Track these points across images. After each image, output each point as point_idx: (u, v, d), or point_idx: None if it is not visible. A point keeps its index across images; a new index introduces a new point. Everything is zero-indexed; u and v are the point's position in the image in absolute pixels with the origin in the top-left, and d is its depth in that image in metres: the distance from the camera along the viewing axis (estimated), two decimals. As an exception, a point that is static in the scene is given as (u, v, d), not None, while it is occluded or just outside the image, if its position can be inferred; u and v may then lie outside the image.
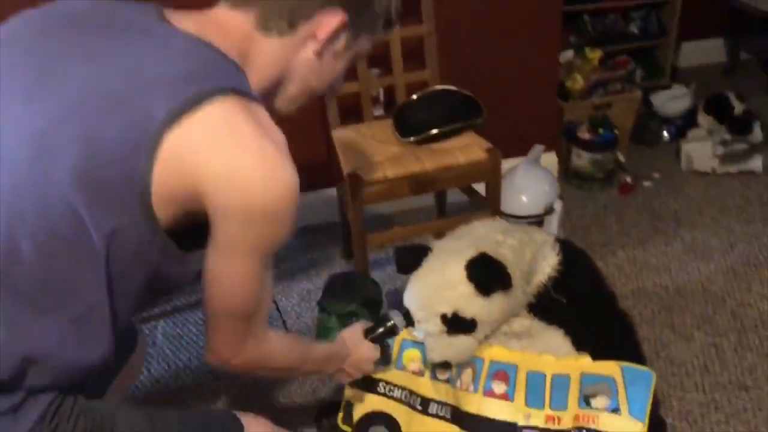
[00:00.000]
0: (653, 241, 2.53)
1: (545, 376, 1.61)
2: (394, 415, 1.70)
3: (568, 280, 1.66)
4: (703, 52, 3.99)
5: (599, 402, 1.56)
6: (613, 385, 1.56)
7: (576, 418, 1.58)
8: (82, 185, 0.88)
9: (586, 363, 1.60)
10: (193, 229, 0.95)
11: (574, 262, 1.70)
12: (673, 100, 3.20)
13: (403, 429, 1.70)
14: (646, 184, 2.88)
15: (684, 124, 3.14)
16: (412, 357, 1.78)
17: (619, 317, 1.71)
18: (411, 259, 1.72)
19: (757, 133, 2.96)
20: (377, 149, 2.10)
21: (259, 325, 1.08)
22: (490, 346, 1.69)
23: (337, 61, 1.11)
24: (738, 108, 3.01)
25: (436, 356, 1.67)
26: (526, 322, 1.69)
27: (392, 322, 1.60)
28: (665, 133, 3.18)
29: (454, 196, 2.47)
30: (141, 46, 0.95)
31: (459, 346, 1.64)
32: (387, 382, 1.75)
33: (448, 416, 1.70)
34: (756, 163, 2.87)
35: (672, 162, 3.03)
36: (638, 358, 1.66)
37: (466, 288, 1.60)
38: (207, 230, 0.95)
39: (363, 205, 1.99)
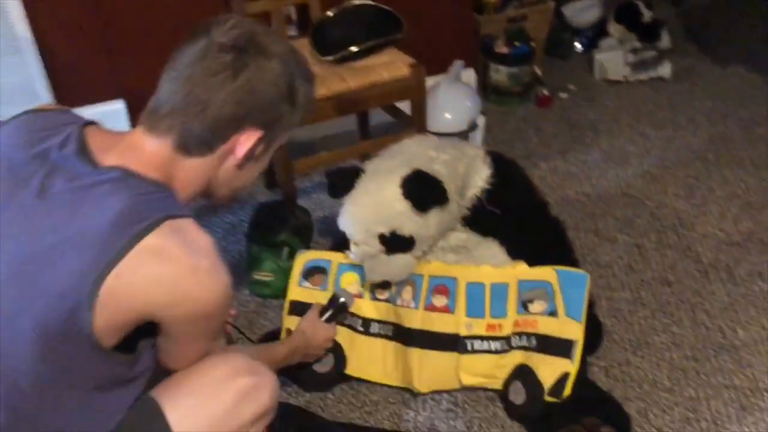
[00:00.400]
0: (573, 151, 2.58)
1: (484, 286, 1.63)
2: (337, 339, 1.69)
3: (501, 192, 1.67)
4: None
5: (537, 307, 1.60)
6: (549, 290, 1.60)
7: (516, 323, 1.62)
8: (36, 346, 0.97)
9: (522, 270, 1.63)
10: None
11: (506, 173, 1.71)
12: (583, 11, 3.22)
13: (345, 352, 1.70)
14: (563, 95, 2.92)
15: (595, 35, 3.18)
16: (350, 280, 1.77)
17: (552, 224, 1.74)
18: (344, 181, 1.68)
19: (665, 40, 3.03)
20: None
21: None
22: (429, 263, 1.69)
23: (258, 163, 1.17)
24: (646, 16, 3.06)
25: (376, 277, 1.66)
26: (462, 235, 1.70)
27: (342, 300, 1.65)
28: (578, 45, 3.21)
29: (378, 118, 2.43)
30: (69, 201, 0.99)
31: (398, 264, 1.64)
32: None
33: (390, 334, 1.71)
34: (665, 69, 2.95)
35: (586, 73, 3.07)
36: (572, 261, 1.71)
37: (402, 206, 1.58)
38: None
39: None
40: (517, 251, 1.66)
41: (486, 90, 2.88)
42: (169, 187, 1.05)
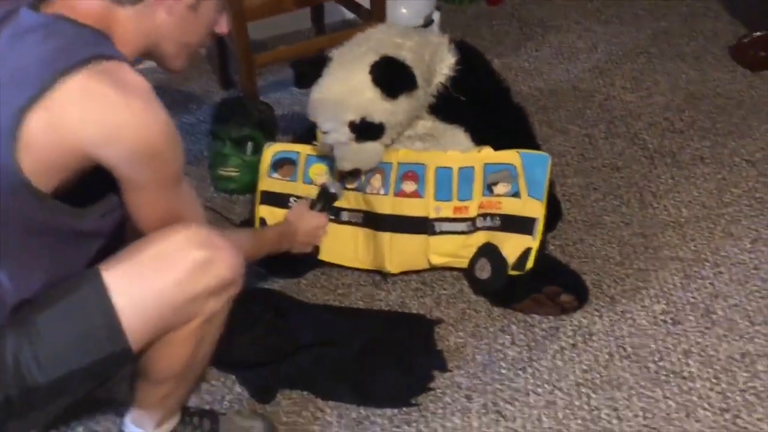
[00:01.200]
0: (524, 48, 2.63)
1: (452, 170, 1.70)
2: (309, 227, 1.74)
3: (466, 79, 1.72)
4: None
5: (501, 188, 1.68)
6: (513, 171, 1.67)
7: (481, 205, 1.70)
8: None
9: (488, 154, 1.69)
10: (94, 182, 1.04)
11: (471, 60, 1.75)
12: None
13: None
14: (512, -7, 2.94)
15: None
16: (318, 171, 1.80)
17: (515, 110, 1.80)
18: (311, 71, 1.70)
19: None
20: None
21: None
22: (397, 150, 1.74)
23: (199, 17, 1.16)
24: None
25: (347, 164, 1.69)
26: (428, 123, 1.74)
27: (333, 190, 1.71)
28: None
29: (333, 16, 2.41)
30: (8, 47, 1.02)
31: (368, 152, 1.68)
32: (297, 197, 1.77)
33: (360, 222, 1.77)
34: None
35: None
36: (534, 146, 1.78)
37: (372, 93, 1.61)
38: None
39: (245, 20, 1.89)
40: (481, 137, 1.72)
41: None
42: (108, 38, 1.05)
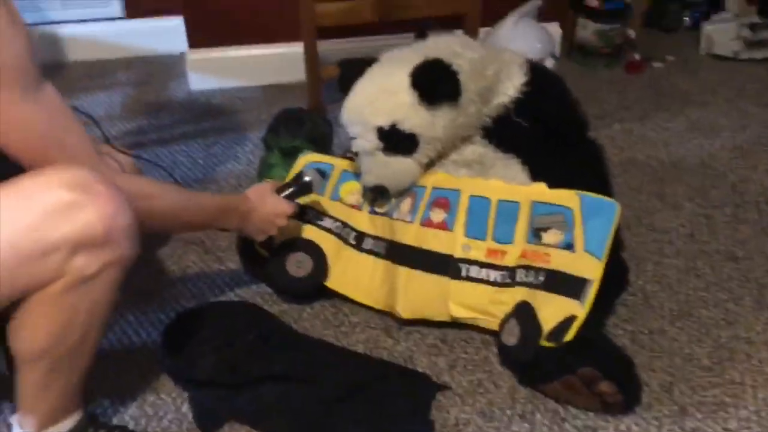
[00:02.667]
0: (655, 117, 2.26)
1: (490, 201, 1.38)
2: (321, 246, 1.50)
3: (533, 102, 1.43)
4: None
5: (551, 237, 1.34)
6: (568, 217, 1.33)
7: (523, 254, 1.36)
8: None
9: (539, 190, 1.37)
10: None
11: (544, 83, 1.46)
12: (699, -19, 2.86)
13: (329, 261, 1.50)
14: (657, 65, 2.59)
15: (709, 9, 2.82)
16: (350, 189, 1.57)
17: (588, 147, 1.46)
18: (356, 72, 1.49)
19: (790, 17, 2.63)
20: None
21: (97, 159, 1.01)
22: (435, 174, 1.47)
23: None
24: (772, -13, 2.67)
25: (371, 179, 1.45)
26: (479, 149, 1.46)
27: (308, 178, 1.45)
28: (686, 19, 2.85)
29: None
30: None
31: (396, 167, 1.43)
32: (319, 211, 1.54)
33: (383, 252, 1.49)
34: (785, 49, 2.56)
35: (690, 47, 2.72)
36: (605, 193, 1.41)
37: (407, 96, 1.37)
38: None
39: (315, 24, 1.75)
40: (540, 173, 1.40)
41: (572, 50, 2.60)
42: None
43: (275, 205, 1.39)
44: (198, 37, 2.43)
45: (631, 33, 2.60)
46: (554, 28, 2.55)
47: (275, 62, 2.45)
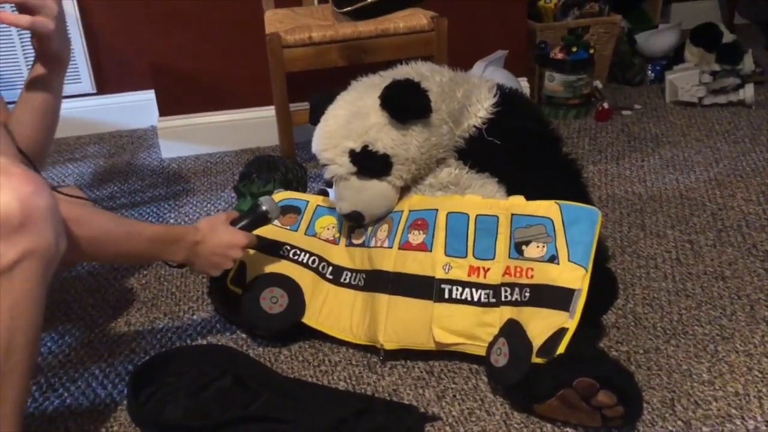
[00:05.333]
0: (629, 158, 2.27)
1: (468, 217, 1.34)
2: (297, 281, 1.43)
3: (504, 121, 1.41)
4: (696, 13, 3.76)
5: (533, 250, 1.29)
6: (549, 228, 1.29)
7: (506, 271, 1.31)
8: None
9: (518, 202, 1.33)
10: None
11: (514, 103, 1.45)
12: (658, 37, 2.96)
13: (306, 297, 1.43)
14: (626, 112, 2.63)
15: (670, 62, 2.90)
16: (325, 224, 1.52)
17: (564, 161, 1.43)
18: (326, 102, 1.47)
19: (747, 63, 2.70)
20: (309, 22, 1.87)
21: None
22: (411, 197, 1.43)
23: None
24: (727, 37, 2.76)
25: (345, 205, 1.41)
26: (455, 171, 1.43)
27: (264, 207, 1.38)
28: (650, 73, 2.93)
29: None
30: None
31: (371, 192, 1.39)
32: (294, 246, 1.49)
33: (362, 284, 1.43)
34: (747, 92, 2.61)
35: (656, 97, 2.78)
36: (584, 203, 1.37)
37: (378, 117, 1.35)
38: None
39: (284, 70, 1.75)
40: (518, 190, 1.37)
41: (540, 103, 2.64)
42: None
43: (227, 235, 1.30)
44: (168, 105, 2.43)
45: (598, 83, 2.65)
46: (522, 82, 2.60)
47: (246, 127, 2.45)
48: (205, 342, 1.50)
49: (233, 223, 1.36)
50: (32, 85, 1.22)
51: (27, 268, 0.86)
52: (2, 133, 0.98)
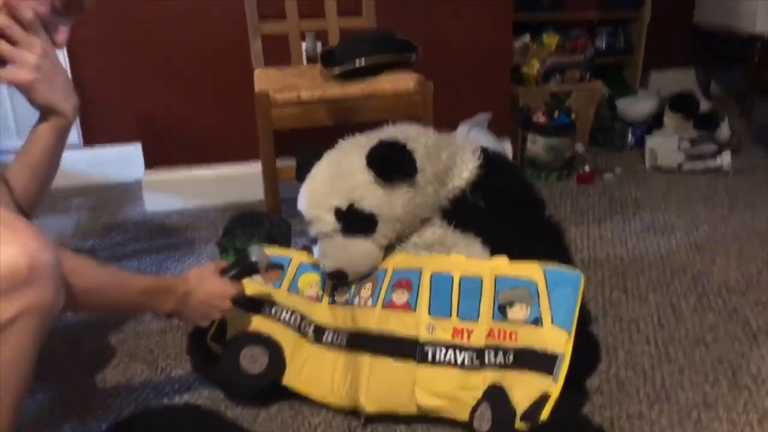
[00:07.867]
0: (610, 221, 2.29)
1: (452, 277, 1.34)
2: (278, 339, 1.42)
3: (488, 183, 1.43)
4: (674, 81, 3.87)
5: (517, 312, 1.29)
6: (533, 291, 1.29)
7: (490, 333, 1.30)
8: None
9: (501, 264, 1.33)
10: None
11: (497, 165, 1.47)
12: (638, 103, 3.04)
13: (287, 356, 1.41)
14: (607, 176, 2.67)
15: (649, 128, 2.97)
16: (309, 281, 1.51)
17: (546, 224, 1.45)
18: (313, 160, 1.48)
19: (724, 130, 2.78)
20: (298, 81, 1.90)
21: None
22: (396, 256, 1.43)
23: None
24: (704, 105, 2.84)
25: (329, 263, 1.40)
26: (439, 231, 1.43)
27: (254, 258, 1.38)
28: (630, 137, 2.99)
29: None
30: None
31: (356, 250, 1.39)
32: (275, 304, 1.47)
33: (344, 343, 1.41)
34: (725, 159, 2.67)
35: (636, 161, 2.84)
36: (567, 264, 1.38)
37: (364, 176, 1.36)
38: None
39: (272, 128, 1.77)
40: (501, 250, 1.37)
41: (523, 165, 2.68)
42: None
43: (216, 286, 1.30)
44: (154, 158, 2.44)
45: (579, 147, 2.70)
46: (506, 145, 2.64)
47: (231, 181, 2.46)
48: (182, 400, 1.46)
49: (222, 273, 1.35)
50: (31, 136, 1.23)
51: (24, 324, 0.84)
52: (2, 189, 0.97)
